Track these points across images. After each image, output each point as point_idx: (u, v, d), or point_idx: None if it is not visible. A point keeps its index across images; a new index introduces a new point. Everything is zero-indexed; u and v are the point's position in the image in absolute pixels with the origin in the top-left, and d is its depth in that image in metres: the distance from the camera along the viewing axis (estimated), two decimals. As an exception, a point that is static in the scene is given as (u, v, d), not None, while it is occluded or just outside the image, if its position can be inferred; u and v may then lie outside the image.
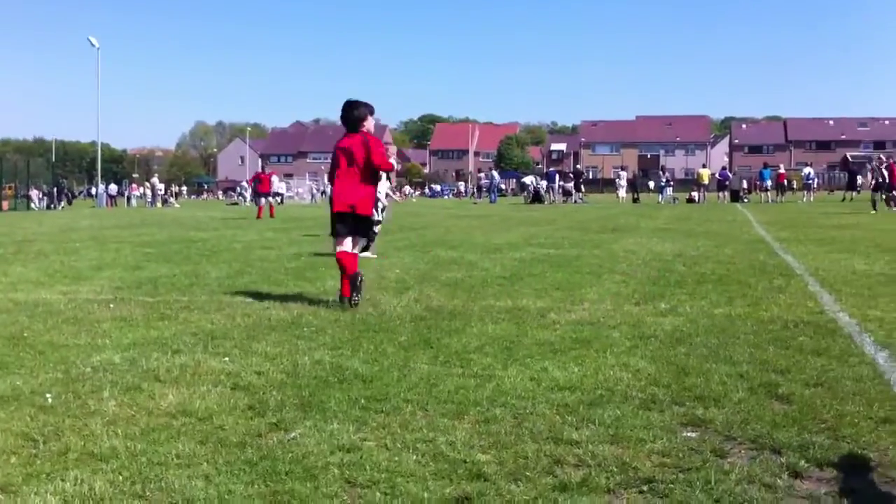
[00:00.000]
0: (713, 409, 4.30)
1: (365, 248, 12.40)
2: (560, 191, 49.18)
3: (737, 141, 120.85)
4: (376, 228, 12.99)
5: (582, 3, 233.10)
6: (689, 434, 3.95)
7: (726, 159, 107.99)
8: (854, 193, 44.46)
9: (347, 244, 8.00)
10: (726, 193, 47.61)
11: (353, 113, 8.03)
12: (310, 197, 69.11)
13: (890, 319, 6.78)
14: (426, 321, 7.03)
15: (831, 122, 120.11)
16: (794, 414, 4.21)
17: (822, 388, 4.70)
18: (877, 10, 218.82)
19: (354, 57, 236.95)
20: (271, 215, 29.91)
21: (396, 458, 3.64)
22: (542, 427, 4.04)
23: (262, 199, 31.32)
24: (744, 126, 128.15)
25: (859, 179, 49.25)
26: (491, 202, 50.08)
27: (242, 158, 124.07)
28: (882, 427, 3.98)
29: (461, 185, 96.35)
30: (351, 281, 7.82)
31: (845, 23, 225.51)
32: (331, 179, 8.14)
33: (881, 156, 34.46)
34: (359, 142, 7.88)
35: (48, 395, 4.70)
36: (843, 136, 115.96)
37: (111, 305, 8.04)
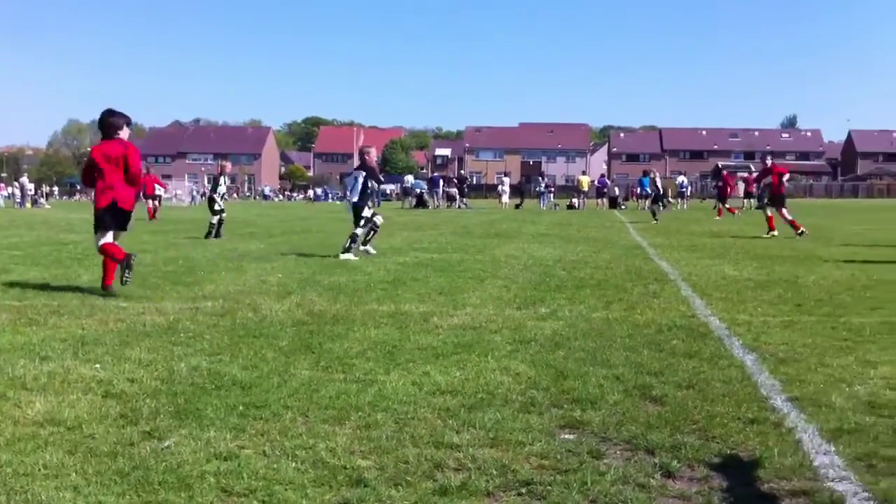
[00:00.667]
0: (590, 412, 4.39)
1: (347, 250, 13.12)
2: (444, 196, 49.50)
3: (615, 149, 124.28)
4: (358, 231, 13.46)
5: (467, 10, 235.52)
6: (566, 436, 4.02)
7: (605, 167, 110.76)
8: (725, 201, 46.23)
9: (110, 236, 8.99)
10: (605, 200, 48.90)
11: (109, 120, 9.01)
12: (189, 199, 67.43)
13: (757, 323, 7.07)
14: (308, 326, 6.95)
15: (704, 133, 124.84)
16: (667, 415, 4.33)
17: (693, 390, 4.86)
18: (747, 24, 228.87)
19: (237, 56, 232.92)
20: (150, 217, 29.33)
21: (275, 466, 3.58)
22: (423, 431, 4.05)
23: (150, 201, 31.25)
24: (622, 135, 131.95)
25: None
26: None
27: (146, 160, 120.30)
28: (750, 427, 4.14)
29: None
30: (124, 263, 8.63)
31: (718, 36, 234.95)
32: (90, 181, 9.09)
33: (654, 169, 36.41)
34: (120, 150, 8.85)
35: None
36: (716, 146, 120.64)
37: (-26, 310, 7.65)
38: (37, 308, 7.79)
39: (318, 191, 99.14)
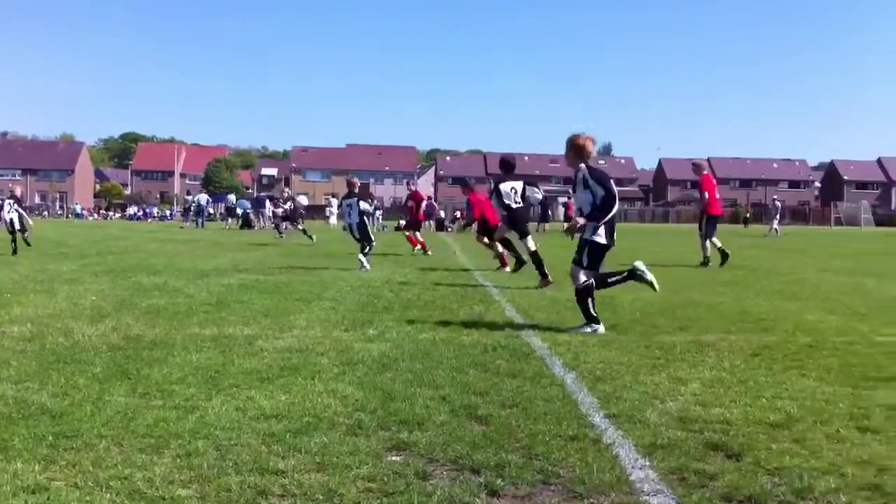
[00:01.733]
0: (417, 433, 4.41)
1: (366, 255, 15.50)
2: (271, 216, 48.72)
3: (442, 172, 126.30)
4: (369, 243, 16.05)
5: (296, 25, 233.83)
6: (393, 458, 4.02)
7: (432, 189, 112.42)
8: (546, 225, 47.83)
9: None
10: (432, 222, 49.55)
11: None
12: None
13: (576, 342, 7.32)
14: (124, 351, 6.65)
15: (526, 158, 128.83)
16: (492, 434, 4.41)
17: (517, 409, 4.97)
18: (559, 46, 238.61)
19: (48, 66, 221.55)
20: None
21: (88, 498, 3.40)
22: (246, 458, 3.94)
23: None
24: (448, 158, 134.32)
25: (549, 212, 53.33)
26: (199, 226, 48.60)
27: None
28: (571, 444, 4.26)
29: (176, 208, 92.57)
30: None
31: (537, 60, 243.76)
32: None
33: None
34: None
35: None
36: (537, 172, 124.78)
37: None
38: None
39: (136, 209, 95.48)
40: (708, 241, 17.35)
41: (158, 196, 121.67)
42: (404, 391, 5.36)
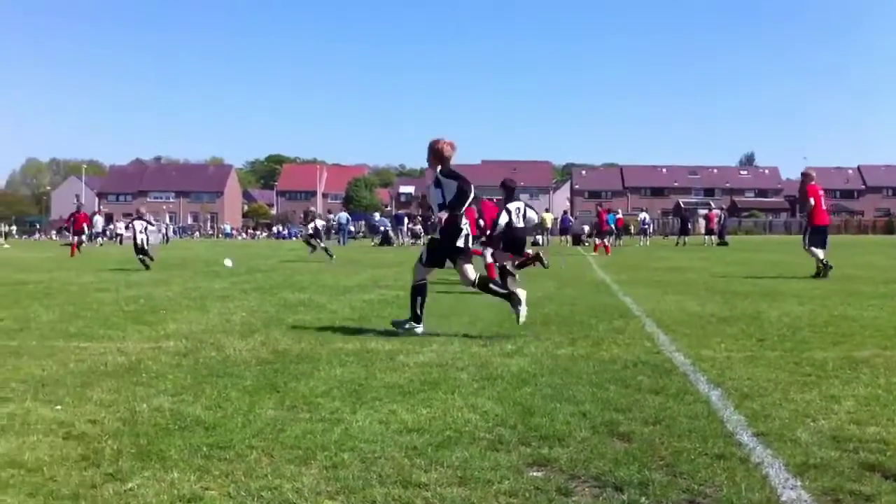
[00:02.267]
0: (558, 449, 4.38)
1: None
2: (409, 233, 49.57)
3: (577, 186, 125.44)
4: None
5: (430, 47, 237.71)
6: (534, 474, 4.01)
7: (568, 204, 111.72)
8: (686, 238, 46.82)
9: None
10: (569, 237, 49.20)
11: None
12: (152, 238, 66.81)
13: (721, 359, 7.12)
14: (272, 365, 6.89)
15: (664, 170, 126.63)
16: (635, 451, 4.34)
17: (660, 426, 4.87)
18: (707, 62, 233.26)
19: (197, 93, 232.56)
20: (71, 254, 30.95)
21: (240, 507, 3.53)
22: (390, 470, 4.01)
23: (76, 237, 32.86)
24: (583, 172, 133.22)
25: (690, 225, 52.23)
26: (340, 244, 49.86)
27: (78, 196, 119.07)
28: (717, 463, 4.15)
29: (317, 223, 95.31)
30: None
31: (679, 73, 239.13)
32: None
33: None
34: None
35: None
36: (676, 184, 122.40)
37: (-70, 352, 7.50)
38: (-6, 349, 7.66)
39: (282, 228, 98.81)
40: (817, 250, 16.74)
41: (301, 215, 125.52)
42: (544, 407, 5.34)
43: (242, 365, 6.90)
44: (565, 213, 55.78)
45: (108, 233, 62.78)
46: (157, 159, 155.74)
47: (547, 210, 55.78)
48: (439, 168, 8.88)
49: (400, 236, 48.71)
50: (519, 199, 14.45)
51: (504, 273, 13.60)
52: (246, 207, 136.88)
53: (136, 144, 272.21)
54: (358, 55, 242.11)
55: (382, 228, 50.62)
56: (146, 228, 21.33)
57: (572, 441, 4.55)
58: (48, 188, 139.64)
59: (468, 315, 10.45)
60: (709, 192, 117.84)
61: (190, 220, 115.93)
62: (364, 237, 64.55)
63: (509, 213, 13.96)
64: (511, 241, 14.08)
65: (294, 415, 5.16)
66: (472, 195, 8.58)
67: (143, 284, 15.82)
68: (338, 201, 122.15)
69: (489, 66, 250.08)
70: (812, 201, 17.05)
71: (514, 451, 4.36)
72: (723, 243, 44.16)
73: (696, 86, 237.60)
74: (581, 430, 4.77)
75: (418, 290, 8.70)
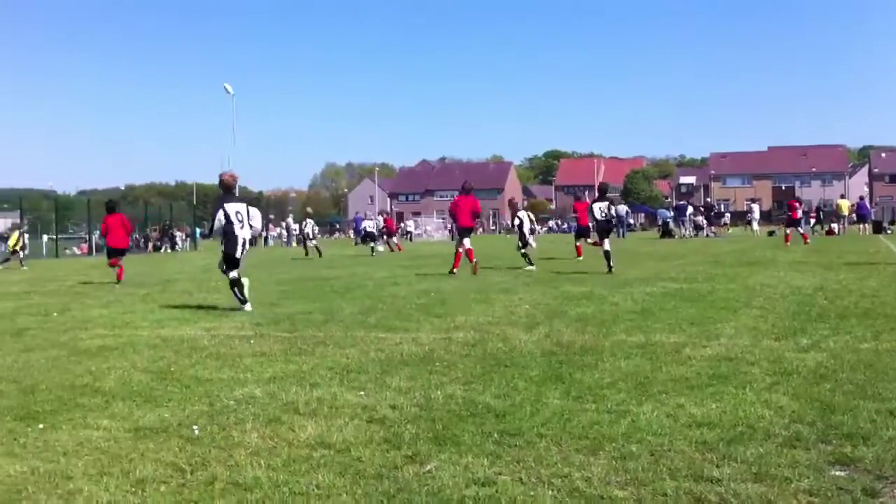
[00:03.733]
0: (862, 448, 4.11)
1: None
2: (691, 224, 48.14)
3: (876, 170, 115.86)
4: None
5: (709, 34, 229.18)
6: (837, 473, 3.78)
7: (866, 189, 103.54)
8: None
9: None
10: (867, 225, 45.58)
11: None
12: (438, 234, 69.92)
13: None
14: (557, 356, 6.99)
15: None
16: (952, 454, 3.98)
17: (982, 428, 4.43)
18: None
19: (477, 96, 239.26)
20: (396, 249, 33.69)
21: (532, 493, 3.63)
22: (680, 464, 3.96)
23: (390, 239, 36.02)
24: (883, 155, 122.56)
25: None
26: (619, 237, 49.45)
27: (371, 198, 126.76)
28: None
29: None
30: None
31: None
32: None
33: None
34: None
35: (195, 427, 4.90)
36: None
37: (251, 341, 8.32)
38: (305, 339, 8.36)
39: (560, 222, 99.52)
40: None
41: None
42: (846, 404, 5.02)
43: (528, 356, 7.06)
44: (862, 198, 51.67)
45: (399, 230, 66.51)
46: (442, 159, 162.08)
47: (843, 196, 51.97)
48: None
49: (682, 228, 47.38)
50: (606, 199, 18.25)
51: (607, 256, 17.21)
52: (525, 203, 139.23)
53: (423, 147, 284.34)
54: (637, 47, 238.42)
55: (662, 220, 49.50)
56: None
57: (878, 440, 4.24)
58: (345, 190, 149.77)
59: (758, 307, 10.01)
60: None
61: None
62: (644, 230, 63.53)
63: (592, 210, 18.29)
64: (600, 230, 18.00)
65: (580, 405, 5.21)
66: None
67: (432, 279, 16.57)
68: (616, 194, 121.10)
69: (777, 49, 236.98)
70: None
71: (813, 449, 4.14)
72: None
73: None
74: (888, 428, 4.44)
75: (232, 283, 11.72)
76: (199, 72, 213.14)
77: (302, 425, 4.88)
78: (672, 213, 49.73)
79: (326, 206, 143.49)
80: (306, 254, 32.35)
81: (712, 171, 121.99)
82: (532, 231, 21.17)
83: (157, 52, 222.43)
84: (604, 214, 17.91)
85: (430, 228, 75.30)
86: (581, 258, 22.31)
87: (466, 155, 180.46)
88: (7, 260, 28.53)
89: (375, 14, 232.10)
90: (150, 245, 50.31)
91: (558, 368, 6.43)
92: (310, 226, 33.55)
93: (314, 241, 32.78)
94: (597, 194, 18.81)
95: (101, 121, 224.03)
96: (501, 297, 12.24)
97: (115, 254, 18.86)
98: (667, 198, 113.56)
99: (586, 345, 7.55)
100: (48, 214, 53.16)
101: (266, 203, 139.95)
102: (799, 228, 30.70)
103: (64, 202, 61.16)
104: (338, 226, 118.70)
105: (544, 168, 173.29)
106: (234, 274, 11.55)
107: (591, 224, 19.42)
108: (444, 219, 77.63)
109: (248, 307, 11.38)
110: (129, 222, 20.02)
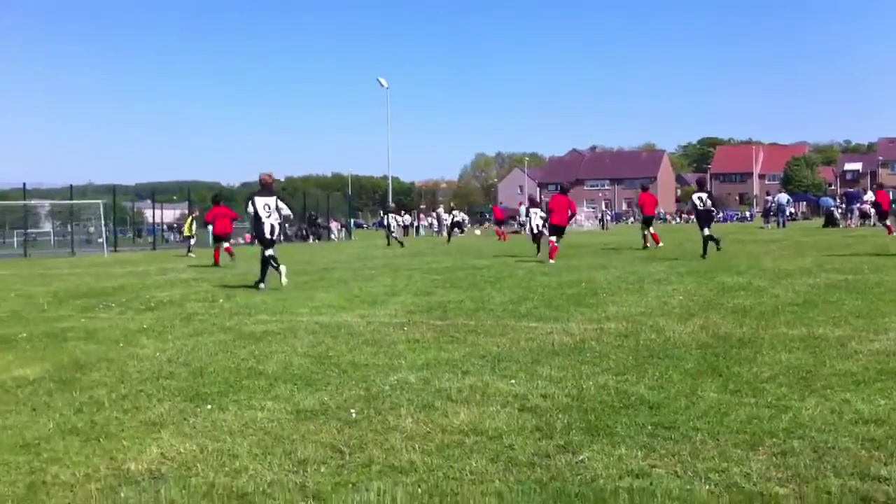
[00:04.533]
0: None
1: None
2: (858, 213, 45.80)
3: None
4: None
5: (882, 11, 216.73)
6: None
7: None
8: None
9: None
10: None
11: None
12: (588, 223, 69.28)
13: None
14: (713, 348, 6.82)
15: None
16: None
17: None
18: None
19: (626, 83, 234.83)
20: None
21: (688, 487, 3.57)
22: (845, 461, 3.80)
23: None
24: None
25: None
26: (779, 226, 47.60)
27: (521, 187, 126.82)
28: None
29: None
30: None
31: None
32: None
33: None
34: None
35: (352, 411, 5.06)
36: None
37: (405, 328, 8.50)
38: (457, 327, 8.47)
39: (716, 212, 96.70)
40: None
41: (737, 198, 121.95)
42: None
43: (682, 347, 6.92)
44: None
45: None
46: (593, 148, 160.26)
47: None
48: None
49: (850, 217, 45.15)
50: (705, 191, 20.80)
51: (706, 241, 19.18)
52: (679, 192, 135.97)
53: (574, 135, 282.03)
54: (799, 29, 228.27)
55: (825, 209, 47.35)
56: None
57: None
58: (494, 180, 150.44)
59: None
60: None
61: (624, 207, 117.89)
62: (806, 219, 60.97)
63: (693, 201, 20.64)
64: (699, 219, 20.12)
65: (738, 399, 5.07)
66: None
67: (582, 269, 16.43)
68: (776, 182, 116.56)
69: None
70: None
71: None
72: None
73: None
74: None
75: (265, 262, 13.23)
76: (354, 66, 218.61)
77: (455, 412, 4.96)
78: (836, 202, 47.44)
79: (476, 197, 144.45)
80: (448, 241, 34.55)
81: (880, 157, 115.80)
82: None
83: (313, 47, 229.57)
84: (703, 204, 20.18)
85: (581, 218, 74.57)
86: (661, 245, 24.21)
87: (617, 143, 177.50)
88: (189, 249, 30.19)
89: (525, 3, 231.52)
90: (306, 235, 51.96)
91: (714, 361, 6.28)
92: (459, 216, 35.10)
93: (459, 232, 34.49)
94: (697, 187, 22.78)
95: (261, 116, 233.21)
96: (654, 287, 12.02)
97: (219, 240, 23.00)
98: (830, 185, 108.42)
99: (744, 337, 7.33)
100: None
101: (417, 194, 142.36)
102: None
103: (228, 194, 64.15)
104: (487, 216, 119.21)
105: (699, 156, 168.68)
106: (269, 252, 13.93)
107: (692, 213, 23.04)
108: (594, 208, 76.85)
109: (262, 286, 13.68)
110: (233, 212, 24.11)
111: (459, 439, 4.40)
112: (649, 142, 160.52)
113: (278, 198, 14.11)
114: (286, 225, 43.85)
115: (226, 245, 22.65)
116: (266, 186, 14.17)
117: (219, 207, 23.41)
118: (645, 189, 26.96)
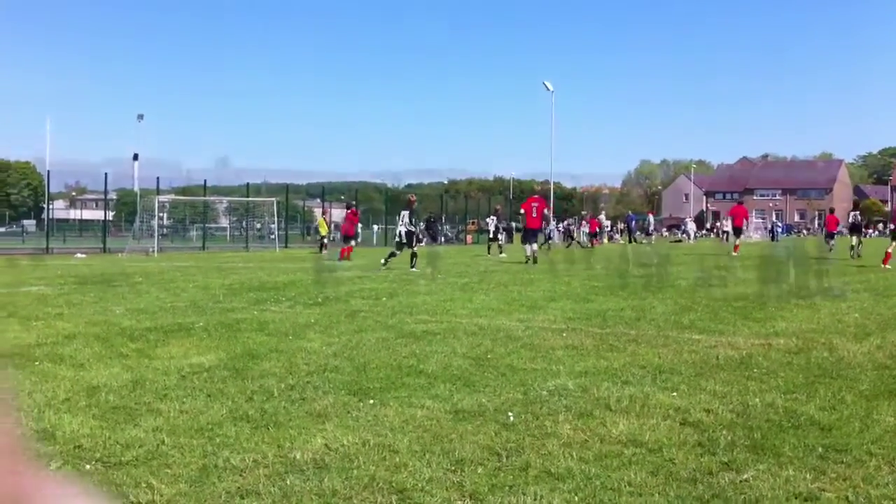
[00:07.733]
0: None
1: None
2: None
3: None
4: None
5: None
6: None
7: None
8: None
9: None
10: None
11: None
12: (756, 235, 66.87)
13: None
14: (891, 370, 6.46)
15: None
16: None
17: None
18: None
19: (806, 88, 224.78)
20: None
21: (860, 514, 3.40)
22: None
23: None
24: None
25: None
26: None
27: (686, 196, 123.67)
28: None
29: None
30: None
31: None
32: None
33: None
34: None
35: (510, 414, 5.09)
36: None
37: (563, 334, 8.46)
38: (616, 336, 8.36)
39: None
40: None
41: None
42: None
43: (857, 368, 6.58)
44: None
45: (715, 230, 64.74)
46: (765, 157, 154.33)
47: None
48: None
49: None
50: (858, 210, 24.19)
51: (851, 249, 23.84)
52: (853, 205, 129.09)
53: (744, 143, 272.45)
54: None
55: None
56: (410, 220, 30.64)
57: None
58: (659, 187, 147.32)
59: None
60: None
61: (797, 218, 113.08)
62: None
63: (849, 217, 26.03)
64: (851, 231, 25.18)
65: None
66: None
67: (754, 282, 15.87)
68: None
69: None
70: None
71: None
72: None
73: None
74: None
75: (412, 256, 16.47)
76: (519, 70, 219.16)
77: (614, 421, 4.90)
78: None
79: (639, 205, 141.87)
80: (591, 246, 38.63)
81: None
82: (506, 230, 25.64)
83: (479, 50, 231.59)
84: (855, 219, 26.71)
85: (750, 228, 72.03)
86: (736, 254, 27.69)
87: (791, 152, 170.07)
88: (323, 246, 31.86)
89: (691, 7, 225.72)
90: (420, 238, 52.46)
91: (892, 384, 5.94)
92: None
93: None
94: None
95: (425, 119, 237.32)
96: (827, 303, 11.48)
97: (348, 240, 27.29)
98: None
99: (927, 360, 6.90)
100: (378, 206, 58.54)
101: (579, 199, 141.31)
102: None
103: (393, 195, 65.85)
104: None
105: (880, 167, 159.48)
106: (401, 250, 20.03)
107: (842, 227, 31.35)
108: (763, 218, 74.02)
109: (383, 266, 19.51)
110: (356, 218, 29.46)
111: (618, 449, 4.35)
112: (826, 150, 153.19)
113: (410, 213, 20.30)
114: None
115: (351, 244, 26.97)
116: (408, 204, 20.63)
117: (350, 212, 28.57)
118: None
